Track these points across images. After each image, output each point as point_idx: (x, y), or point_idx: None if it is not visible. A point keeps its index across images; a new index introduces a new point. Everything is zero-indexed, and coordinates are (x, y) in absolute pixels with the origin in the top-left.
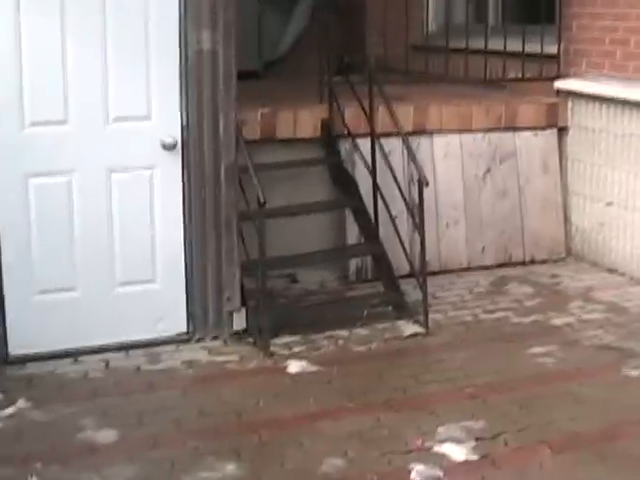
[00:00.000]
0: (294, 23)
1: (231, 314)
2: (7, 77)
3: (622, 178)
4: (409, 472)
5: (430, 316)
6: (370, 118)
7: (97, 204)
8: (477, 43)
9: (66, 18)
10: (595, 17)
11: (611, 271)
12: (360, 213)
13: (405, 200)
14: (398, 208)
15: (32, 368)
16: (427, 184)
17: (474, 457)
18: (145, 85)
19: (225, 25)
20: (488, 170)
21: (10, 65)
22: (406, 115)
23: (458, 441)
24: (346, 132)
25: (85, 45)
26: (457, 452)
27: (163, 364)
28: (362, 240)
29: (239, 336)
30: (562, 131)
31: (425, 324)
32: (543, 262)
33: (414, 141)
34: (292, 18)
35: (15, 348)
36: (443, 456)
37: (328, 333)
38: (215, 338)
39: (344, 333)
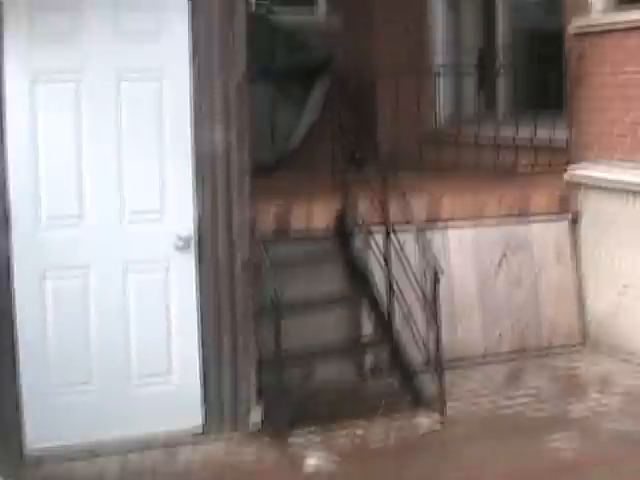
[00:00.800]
0: (306, 116)
1: (248, 409)
2: (24, 173)
3: (636, 264)
4: None
5: (447, 407)
6: (383, 211)
7: (113, 299)
8: (488, 132)
9: (82, 115)
10: (604, 106)
11: (628, 357)
12: (375, 305)
13: (420, 291)
14: (413, 299)
15: (48, 465)
16: (442, 273)
17: None
18: (160, 183)
19: (239, 123)
20: (502, 259)
21: (27, 161)
22: (419, 207)
23: None
24: (360, 224)
25: (100, 142)
26: None
27: (179, 463)
28: (378, 332)
29: (257, 432)
30: (575, 219)
31: (443, 416)
32: (560, 350)
33: (427, 233)
34: (304, 111)
35: (32, 444)
36: None
37: (346, 427)
38: (232, 433)
39: (362, 427)
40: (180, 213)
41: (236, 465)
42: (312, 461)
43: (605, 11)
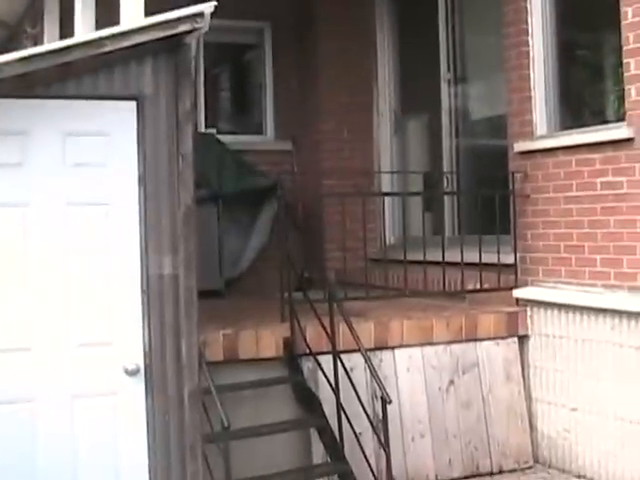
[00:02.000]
0: (254, 240)
1: None
2: None
3: (584, 383)
4: None
5: None
6: (331, 336)
7: (60, 431)
8: (435, 255)
9: (29, 245)
10: (549, 225)
11: (579, 477)
12: (325, 431)
13: (369, 417)
14: (363, 425)
15: None
16: (390, 402)
17: None
18: (107, 311)
19: (186, 249)
20: (451, 382)
21: None
22: (367, 331)
23: None
24: (308, 350)
25: (48, 271)
26: None
27: None
28: (328, 459)
29: None
30: (523, 339)
31: None
32: (511, 471)
33: (376, 357)
34: (252, 235)
35: None
36: None
37: None
38: None
39: None
40: (128, 342)
41: None
42: None
43: (548, 134)
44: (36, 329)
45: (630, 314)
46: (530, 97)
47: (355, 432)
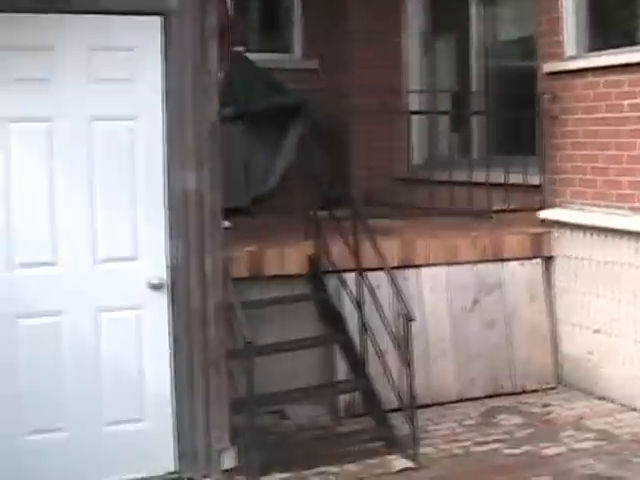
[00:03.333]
0: (281, 158)
1: (221, 452)
2: None
3: (607, 306)
4: None
5: (421, 450)
6: (356, 254)
7: (86, 344)
8: (461, 175)
9: (55, 160)
10: (577, 147)
11: (601, 398)
12: (348, 348)
13: (392, 335)
14: (387, 342)
15: None
16: (413, 319)
17: None
18: (132, 226)
19: (211, 165)
20: (476, 301)
21: (0, 206)
22: (392, 249)
23: None
24: (332, 268)
25: (73, 186)
26: None
27: None
28: (351, 375)
29: (229, 474)
30: (548, 260)
31: (416, 458)
32: (533, 391)
33: (401, 275)
34: (279, 153)
35: None
36: None
37: (319, 470)
38: (205, 477)
39: (335, 469)
40: (153, 257)
41: None
42: None
43: (578, 55)
44: (62, 244)
45: None
46: (559, 18)
47: (379, 349)
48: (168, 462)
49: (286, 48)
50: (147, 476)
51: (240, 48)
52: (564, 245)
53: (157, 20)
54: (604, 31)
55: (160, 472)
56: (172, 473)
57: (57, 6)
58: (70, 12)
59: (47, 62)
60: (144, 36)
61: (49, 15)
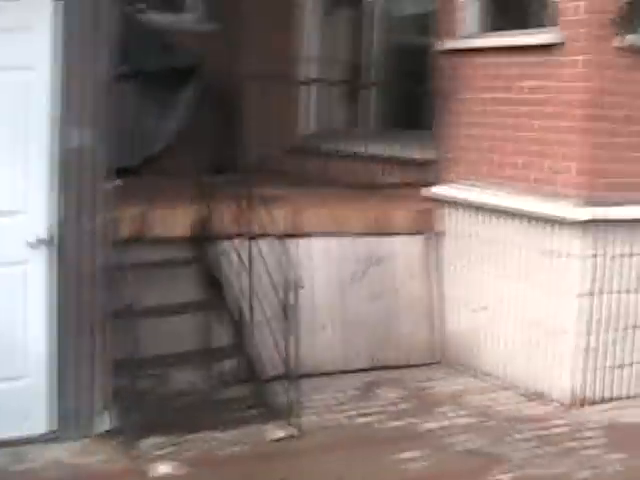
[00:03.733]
0: (172, 120)
1: (101, 413)
2: None
3: (492, 284)
4: None
5: (303, 419)
6: (244, 219)
7: None
8: (354, 147)
9: None
10: (470, 126)
11: (483, 375)
12: (231, 314)
13: (278, 302)
14: (273, 309)
15: None
16: (302, 287)
17: None
18: (19, 180)
19: (100, 124)
20: (363, 273)
21: None
22: (281, 217)
23: None
24: (220, 232)
25: None
26: None
27: (27, 464)
28: (234, 341)
29: (108, 436)
30: (437, 236)
31: (295, 426)
32: (417, 366)
33: (290, 243)
34: (171, 115)
35: None
36: None
37: (198, 435)
38: (84, 438)
39: (214, 435)
40: (39, 214)
41: (85, 467)
42: (160, 468)
43: (476, 34)
44: None
45: (537, 218)
46: None
47: (265, 317)
48: (48, 422)
49: (183, 8)
50: (26, 435)
51: (138, 6)
52: (453, 222)
53: None
54: (502, 13)
55: (40, 431)
56: (52, 432)
57: None
58: None
59: None
60: None
61: None
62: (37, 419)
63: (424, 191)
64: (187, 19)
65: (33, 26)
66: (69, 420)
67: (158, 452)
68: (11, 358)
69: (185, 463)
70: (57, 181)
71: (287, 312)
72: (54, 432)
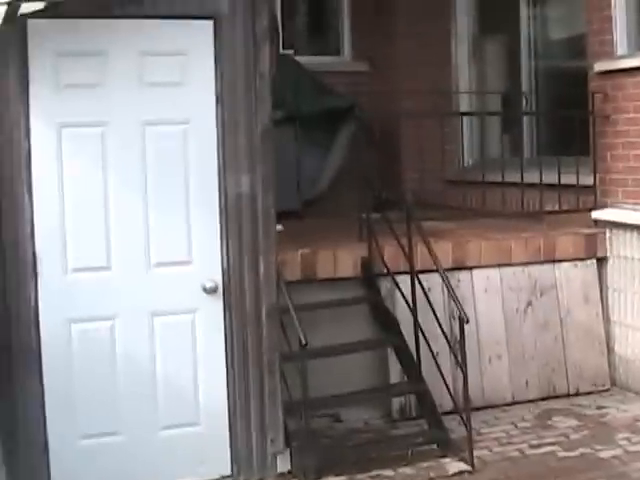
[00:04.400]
0: (332, 161)
1: (275, 456)
2: (50, 223)
3: None
4: None
5: (475, 453)
6: (409, 256)
7: (140, 348)
8: (513, 176)
9: (108, 165)
10: (629, 146)
11: None
12: (402, 351)
13: (446, 337)
14: (440, 344)
15: None
16: (467, 321)
17: None
18: (186, 230)
19: (263, 168)
20: (529, 303)
21: (54, 212)
22: (445, 251)
23: None
24: (385, 270)
25: (126, 191)
26: None
27: None
28: (405, 378)
29: (284, 478)
30: (601, 261)
31: (470, 461)
32: (588, 394)
33: (454, 277)
34: (330, 156)
35: None
36: None
37: (373, 473)
38: None
39: (390, 472)
40: (207, 261)
41: None
42: None
43: (629, 53)
44: (115, 248)
45: None
46: (610, 16)
47: (432, 352)
48: (223, 465)
49: (335, 50)
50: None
51: (289, 51)
52: (617, 245)
53: (209, 24)
54: None
55: (215, 476)
56: (227, 477)
57: (112, 12)
58: (123, 17)
59: (99, 67)
60: (195, 40)
61: (103, 20)
62: (213, 463)
63: (586, 216)
64: (340, 60)
65: (194, 77)
66: (244, 463)
67: None
68: (187, 404)
69: None
70: (223, 228)
71: (455, 346)
72: (230, 477)
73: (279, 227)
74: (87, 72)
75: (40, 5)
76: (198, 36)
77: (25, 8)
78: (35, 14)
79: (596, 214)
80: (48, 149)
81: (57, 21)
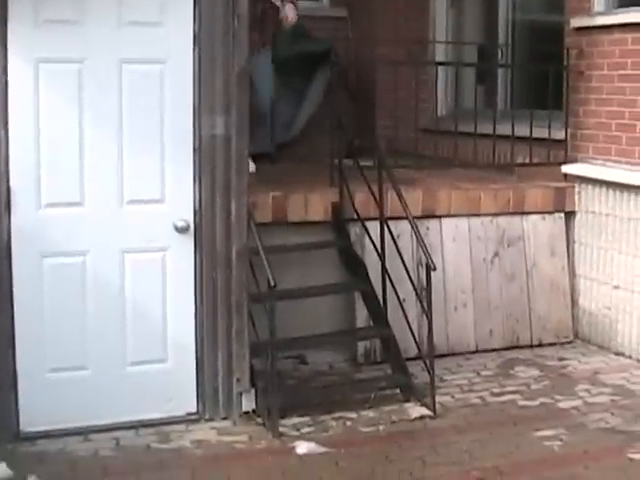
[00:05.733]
0: (307, 105)
1: (241, 395)
2: (25, 159)
3: (628, 262)
4: None
5: (438, 399)
6: (379, 202)
7: (110, 284)
8: (486, 128)
9: (84, 102)
10: (601, 103)
11: (618, 354)
12: (369, 296)
13: (413, 284)
14: (407, 291)
15: (43, 445)
16: (435, 269)
17: None
18: (159, 169)
19: (238, 110)
20: (496, 254)
21: (28, 147)
22: (415, 199)
23: None
24: (356, 216)
25: (102, 129)
26: None
27: (173, 443)
28: (371, 323)
29: (248, 417)
30: (569, 215)
31: (432, 407)
32: (550, 345)
33: (423, 225)
34: (305, 100)
35: (26, 425)
36: None
37: (337, 415)
38: (224, 418)
39: (352, 415)
40: (179, 200)
41: (229, 445)
42: (303, 444)
43: (606, 10)
44: (89, 185)
45: None
46: None
47: (399, 298)
48: (189, 403)
49: None
50: (167, 416)
51: None
52: (586, 200)
53: None
54: None
55: (181, 413)
56: (192, 414)
57: None
58: None
59: (79, 4)
60: None
61: None
62: (179, 401)
63: (556, 170)
64: (320, 5)
65: (172, 17)
66: (210, 402)
67: (299, 431)
68: (155, 341)
69: (325, 442)
70: (196, 169)
71: (422, 293)
72: (196, 414)
73: (252, 168)
74: (66, 8)
75: None
76: None
77: None
78: None
79: (566, 168)
80: (25, 85)
81: None
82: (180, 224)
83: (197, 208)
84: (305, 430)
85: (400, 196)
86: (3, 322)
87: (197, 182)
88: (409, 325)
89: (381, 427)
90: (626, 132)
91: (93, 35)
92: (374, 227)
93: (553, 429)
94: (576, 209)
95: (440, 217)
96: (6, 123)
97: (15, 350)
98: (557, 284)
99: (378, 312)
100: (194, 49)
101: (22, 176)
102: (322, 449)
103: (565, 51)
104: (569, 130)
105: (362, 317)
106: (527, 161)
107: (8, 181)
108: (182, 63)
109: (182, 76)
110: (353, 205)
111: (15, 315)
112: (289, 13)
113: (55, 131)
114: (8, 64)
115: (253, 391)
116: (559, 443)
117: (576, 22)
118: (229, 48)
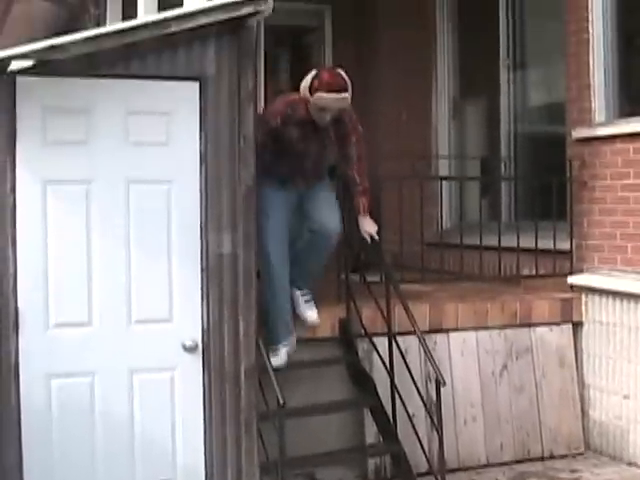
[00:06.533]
0: None
1: None
2: (33, 278)
3: (638, 371)
4: None
5: None
6: (387, 318)
7: (118, 405)
8: (491, 240)
9: (92, 222)
10: (605, 213)
11: (630, 464)
12: (378, 412)
13: (422, 399)
14: (416, 405)
15: None
16: (444, 384)
17: None
18: (167, 288)
19: (245, 228)
20: (504, 366)
21: (36, 267)
22: (422, 313)
23: None
24: (363, 331)
25: (109, 248)
26: None
27: None
28: (380, 439)
29: None
30: (577, 326)
31: None
32: (562, 457)
33: (430, 339)
34: None
35: None
36: None
37: None
38: None
39: None
40: (187, 319)
41: None
42: None
43: (607, 121)
44: (97, 305)
45: None
46: (589, 84)
47: (408, 413)
48: None
49: None
50: None
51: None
52: (593, 310)
53: (195, 85)
54: (634, 97)
55: None
56: None
57: (100, 71)
58: (111, 76)
59: (86, 125)
60: (181, 100)
61: (90, 79)
62: None
63: (562, 281)
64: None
65: (178, 138)
66: None
67: None
68: (164, 462)
69: None
70: (203, 287)
71: (431, 408)
72: None
73: (314, 317)
74: (73, 129)
75: (29, 63)
76: (184, 97)
77: (15, 65)
78: (24, 71)
79: (572, 279)
80: (33, 205)
81: (45, 79)
82: (188, 344)
83: (205, 327)
84: None
85: (407, 310)
86: (12, 456)
87: (205, 301)
88: (419, 440)
89: None
90: (631, 241)
91: (100, 155)
92: (382, 343)
93: None
94: (583, 319)
95: (448, 331)
96: (14, 243)
97: (23, 474)
98: (567, 395)
99: (387, 428)
100: (200, 168)
101: (30, 296)
102: None
103: (568, 162)
104: (574, 241)
105: (371, 433)
106: (533, 273)
107: (16, 301)
108: (188, 182)
109: (189, 195)
110: (361, 321)
111: (23, 446)
112: None
113: (63, 251)
114: (16, 184)
115: None
116: None
117: (578, 133)
118: (235, 167)
